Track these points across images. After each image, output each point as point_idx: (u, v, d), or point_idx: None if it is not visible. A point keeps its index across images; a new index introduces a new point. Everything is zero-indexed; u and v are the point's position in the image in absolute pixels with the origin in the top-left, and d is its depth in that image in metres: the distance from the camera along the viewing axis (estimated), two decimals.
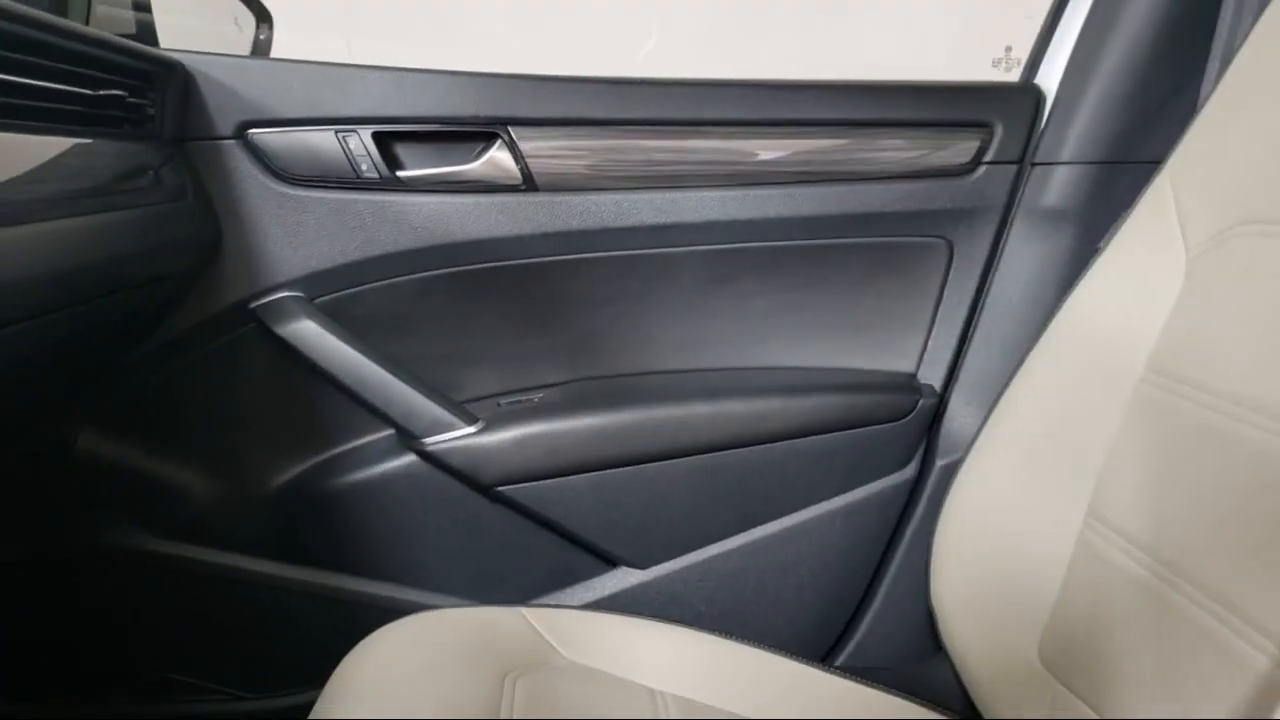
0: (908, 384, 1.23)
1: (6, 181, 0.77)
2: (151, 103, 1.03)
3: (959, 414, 1.22)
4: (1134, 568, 0.83)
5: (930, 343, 1.24)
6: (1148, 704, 0.77)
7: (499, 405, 1.21)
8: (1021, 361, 1.01)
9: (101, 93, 0.94)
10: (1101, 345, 0.95)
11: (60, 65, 0.88)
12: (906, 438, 1.21)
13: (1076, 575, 0.90)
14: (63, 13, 1.08)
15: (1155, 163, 0.96)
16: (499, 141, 1.14)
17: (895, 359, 1.25)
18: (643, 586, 1.21)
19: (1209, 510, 0.77)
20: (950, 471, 1.19)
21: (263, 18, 1.39)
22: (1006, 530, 0.97)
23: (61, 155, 0.87)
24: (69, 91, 0.90)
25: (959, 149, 1.20)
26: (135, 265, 0.97)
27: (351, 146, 1.11)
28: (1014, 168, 1.20)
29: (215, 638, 1.21)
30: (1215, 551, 0.75)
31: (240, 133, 1.10)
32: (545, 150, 1.14)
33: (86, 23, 1.11)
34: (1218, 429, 0.79)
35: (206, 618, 1.20)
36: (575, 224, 1.16)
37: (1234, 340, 0.82)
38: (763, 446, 1.19)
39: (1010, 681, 0.95)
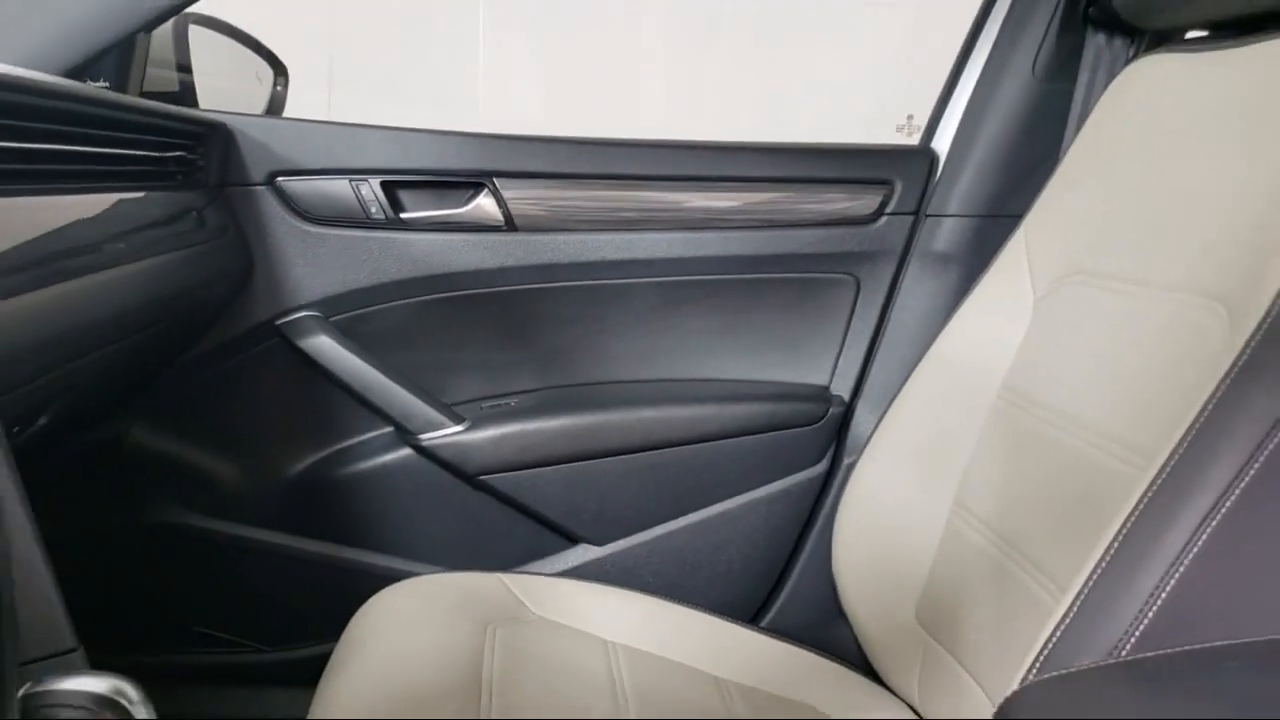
0: (820, 395, 1.44)
1: (93, 236, 0.96)
2: (200, 157, 1.22)
3: (863, 420, 1.42)
4: (985, 544, 1.04)
5: (840, 361, 1.45)
6: (989, 650, 0.97)
7: (482, 408, 1.40)
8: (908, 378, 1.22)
9: (166, 154, 1.14)
10: (969, 368, 1.16)
11: (133, 135, 1.07)
12: (819, 439, 1.42)
13: (944, 551, 1.11)
14: (125, 75, 1.26)
15: (1020, 217, 1.17)
16: (485, 190, 1.34)
17: (811, 373, 1.45)
18: (599, 560, 1.41)
19: (1039, 501, 0.98)
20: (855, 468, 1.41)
21: (279, 71, 1.58)
22: (891, 516, 1.18)
23: (132, 207, 1.06)
24: (141, 155, 1.09)
25: (865, 202, 1.41)
26: (187, 297, 1.16)
27: (363, 192, 1.31)
28: (910, 218, 1.41)
29: (244, 599, 1.40)
30: (1041, 532, 0.96)
31: (270, 180, 1.29)
32: (523, 198, 1.35)
33: (141, 86, 1.29)
34: (1050, 438, 1.00)
35: (237, 583, 1.38)
36: (547, 259, 1.36)
37: (1065, 369, 1.03)
38: (700, 445, 1.40)
39: (892, 638, 1.16)
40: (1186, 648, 0.72)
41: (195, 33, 1.42)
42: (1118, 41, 1.25)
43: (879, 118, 1.55)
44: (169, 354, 1.28)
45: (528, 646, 1.11)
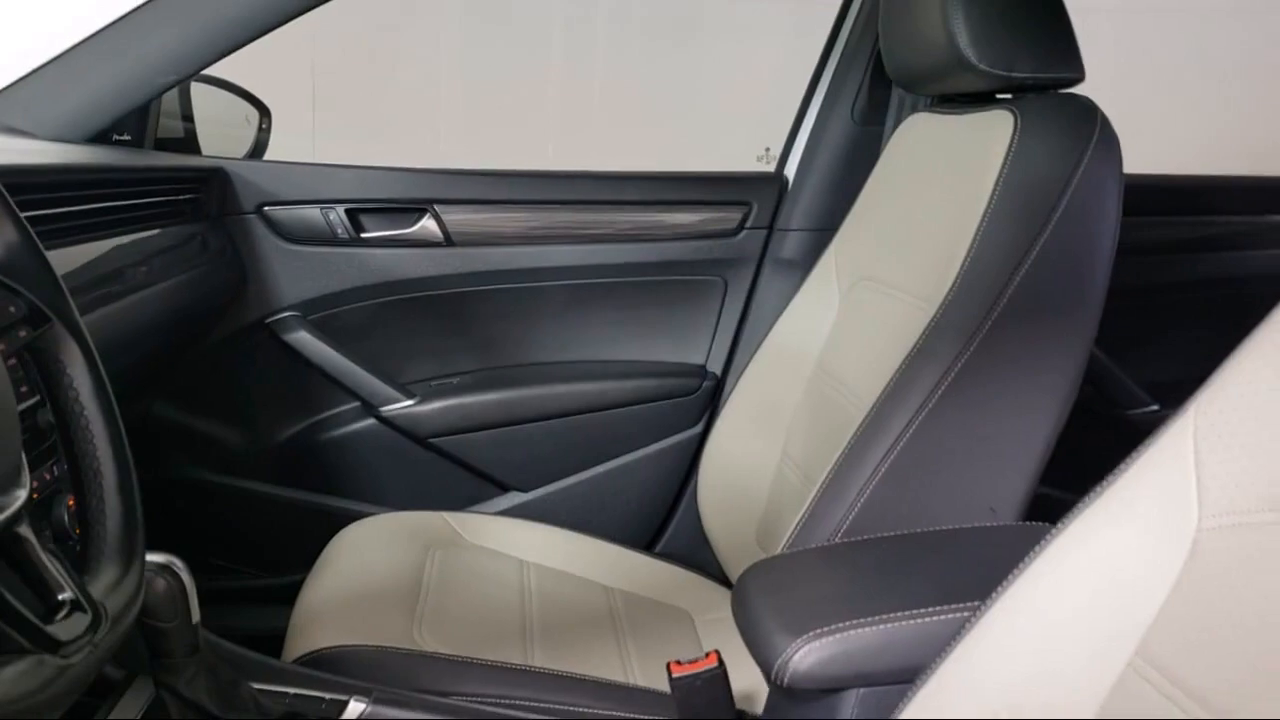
0: (697, 371, 1.76)
1: (129, 267, 1.28)
2: (204, 195, 1.54)
3: (729, 391, 1.76)
4: (792, 479, 1.36)
5: (713, 344, 1.77)
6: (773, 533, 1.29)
7: (429, 385, 1.72)
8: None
9: (179, 197, 1.45)
10: (794, 348, 1.48)
11: (154, 185, 1.39)
12: (696, 406, 1.75)
13: (774, 486, 1.44)
14: (143, 128, 1.56)
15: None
16: (428, 213, 1.66)
17: (689, 355, 1.78)
18: (525, 503, 1.74)
19: (819, 440, 1.30)
20: None
21: (264, 114, 1.88)
22: (739, 463, 1.51)
23: (156, 241, 1.37)
24: (161, 200, 1.41)
25: (729, 218, 1.73)
26: (198, 304, 1.48)
27: (331, 218, 1.62)
28: (765, 232, 1.74)
29: (243, 536, 1.71)
30: (817, 452, 1.28)
31: (258, 209, 1.61)
32: (458, 220, 1.67)
33: (155, 136, 1.60)
34: (831, 400, 1.32)
35: (237, 523, 1.70)
36: (479, 267, 1.68)
37: (855, 350, 1.36)
38: (602, 412, 1.72)
39: (739, 554, 1.48)
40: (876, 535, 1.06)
41: (196, 88, 1.73)
42: (911, 97, 1.58)
43: (743, 149, 1.87)
44: (184, 346, 1.59)
45: (460, 564, 1.43)
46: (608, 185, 1.72)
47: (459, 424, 1.69)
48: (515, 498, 1.75)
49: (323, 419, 1.71)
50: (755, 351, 1.55)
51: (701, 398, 1.74)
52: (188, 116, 1.72)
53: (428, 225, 1.66)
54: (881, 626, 0.88)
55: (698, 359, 1.78)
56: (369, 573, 1.35)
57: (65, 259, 1.11)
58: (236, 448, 1.69)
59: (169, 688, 0.91)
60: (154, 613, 0.87)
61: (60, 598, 0.55)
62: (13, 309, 0.63)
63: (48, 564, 0.55)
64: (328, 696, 0.92)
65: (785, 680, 0.88)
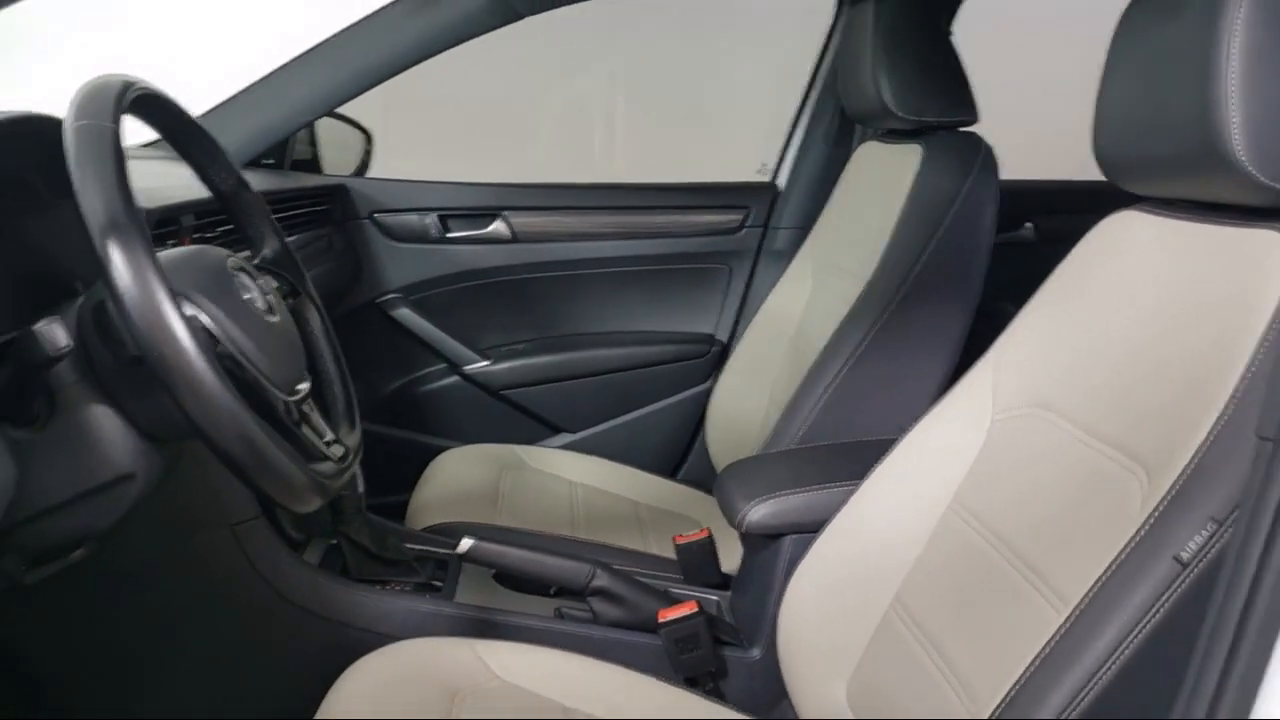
0: (707, 339, 2.21)
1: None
2: (333, 206, 2.01)
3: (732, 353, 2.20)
4: (774, 417, 1.79)
5: (720, 318, 2.22)
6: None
7: (500, 350, 2.19)
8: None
9: (317, 208, 1.92)
10: (779, 318, 1.91)
11: (302, 200, 1.86)
12: (706, 366, 2.19)
13: (762, 423, 1.86)
14: (282, 152, 2.02)
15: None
16: (499, 218, 2.11)
17: (702, 326, 2.22)
18: (573, 441, 2.19)
19: (794, 384, 1.73)
20: None
21: (368, 138, 2.33)
22: (736, 406, 1.94)
23: (304, 240, 1.84)
24: (306, 210, 1.87)
25: (732, 219, 2.17)
26: (328, 290, 1.94)
27: (426, 221, 2.09)
28: (761, 230, 2.18)
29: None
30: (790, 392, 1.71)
31: (370, 215, 2.07)
32: (522, 222, 2.13)
33: (291, 158, 2.06)
34: (803, 354, 1.75)
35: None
36: (537, 259, 2.14)
37: (818, 315, 1.79)
38: (633, 370, 2.18)
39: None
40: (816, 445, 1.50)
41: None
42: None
43: (744, 164, 2.33)
44: None
45: (525, 481, 1.88)
46: (637, 194, 2.18)
47: (523, 379, 2.16)
48: (566, 437, 2.21)
49: (419, 376, 2.18)
50: (750, 321, 1.99)
51: (710, 359, 2.18)
52: (312, 141, 2.19)
53: (499, 226, 2.12)
54: (805, 493, 1.32)
55: (707, 329, 2.22)
56: (460, 483, 1.80)
57: None
58: (359, 395, 2.15)
59: (345, 535, 1.38)
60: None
61: (326, 439, 1.00)
62: (282, 285, 1.09)
63: (318, 421, 1.00)
64: (446, 538, 1.38)
65: (743, 529, 1.32)
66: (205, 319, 0.88)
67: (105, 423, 0.88)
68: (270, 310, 0.97)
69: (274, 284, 1.05)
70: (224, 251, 0.98)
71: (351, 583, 1.35)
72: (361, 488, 1.35)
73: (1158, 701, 0.74)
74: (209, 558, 1.27)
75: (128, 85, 0.91)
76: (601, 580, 1.35)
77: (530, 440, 2.15)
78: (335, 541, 1.41)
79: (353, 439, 1.06)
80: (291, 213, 1.80)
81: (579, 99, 3.01)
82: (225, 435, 0.81)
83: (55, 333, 0.81)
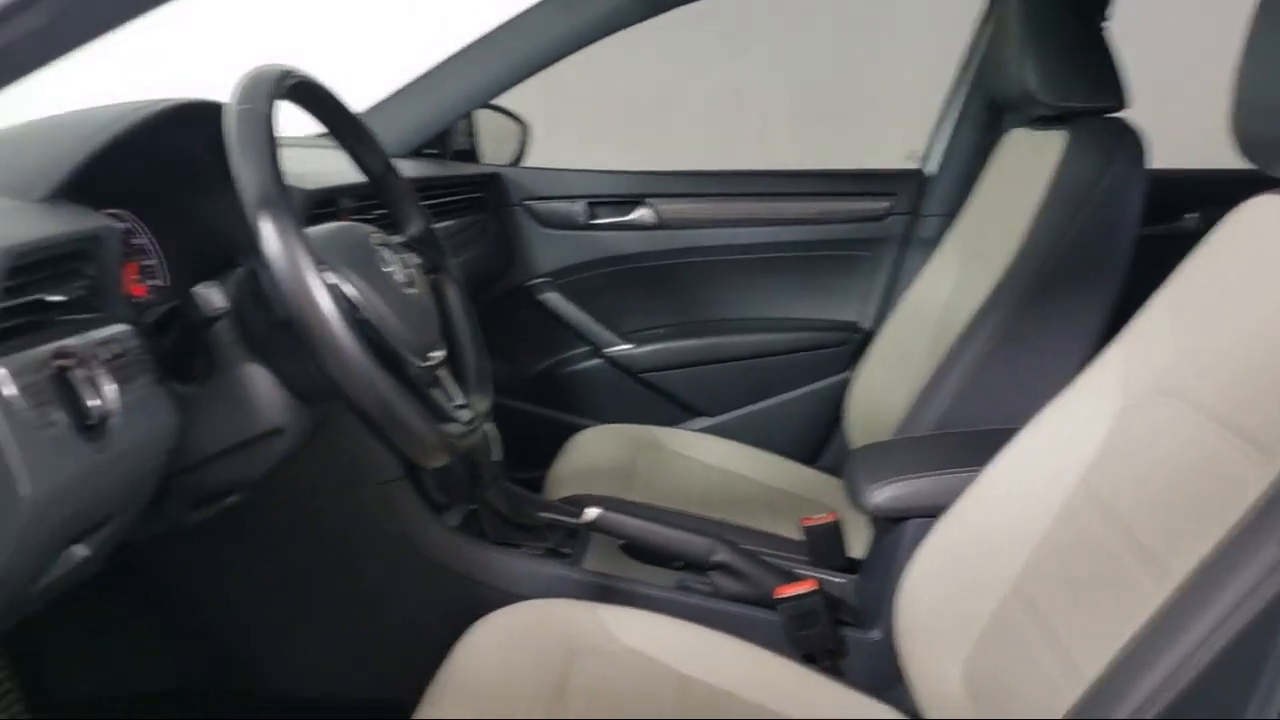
0: (850, 327, 2.20)
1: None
2: (486, 194, 2.10)
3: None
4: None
5: (864, 305, 2.20)
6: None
7: (642, 334, 2.24)
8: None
9: (473, 195, 2.02)
10: (922, 307, 1.89)
11: (460, 187, 1.95)
12: (847, 354, 2.18)
13: (908, 404, 1.85)
14: (444, 142, 2.13)
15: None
16: (644, 204, 2.16)
17: (845, 313, 2.22)
18: (711, 425, 2.22)
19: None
20: None
21: (524, 128, 2.41)
22: (876, 395, 1.94)
23: (460, 226, 1.93)
24: (463, 197, 1.97)
25: (879, 205, 2.16)
26: (481, 273, 2.03)
27: (574, 209, 2.16)
28: (907, 216, 2.16)
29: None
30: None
31: (521, 202, 2.16)
32: (667, 209, 2.17)
33: (452, 148, 2.17)
34: (944, 343, 1.74)
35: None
36: (681, 245, 2.18)
37: (960, 304, 1.77)
38: (773, 357, 2.19)
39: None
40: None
41: (477, 110, 2.29)
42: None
43: (895, 150, 2.32)
44: (472, 300, 2.15)
45: (660, 461, 1.93)
46: (782, 180, 2.19)
47: (663, 363, 2.20)
48: (704, 421, 2.24)
49: (564, 357, 2.25)
50: (901, 311, 1.98)
51: (852, 347, 2.18)
52: (471, 133, 2.29)
53: (645, 213, 2.17)
54: (930, 477, 1.32)
55: (850, 317, 2.22)
56: (597, 460, 1.87)
57: None
58: (502, 375, 2.24)
59: (483, 501, 1.46)
60: (477, 451, 1.41)
61: (457, 402, 1.07)
62: (425, 263, 1.17)
63: (450, 386, 1.07)
64: (576, 508, 1.44)
65: (868, 509, 1.33)
66: (348, 288, 0.96)
67: (258, 381, 0.97)
68: (409, 283, 1.04)
69: (416, 260, 1.13)
70: (368, 228, 1.06)
71: (485, 544, 1.43)
72: (499, 456, 1.42)
73: (1248, 688, 0.73)
74: (357, 512, 1.36)
75: (285, 74, 0.99)
76: (722, 554, 1.39)
77: (668, 423, 2.19)
78: (475, 507, 1.50)
79: (482, 405, 1.13)
80: (447, 199, 1.90)
81: (727, 86, 3.03)
82: (359, 392, 0.88)
83: (211, 296, 0.90)
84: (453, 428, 1.01)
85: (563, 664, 1.16)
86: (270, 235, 0.85)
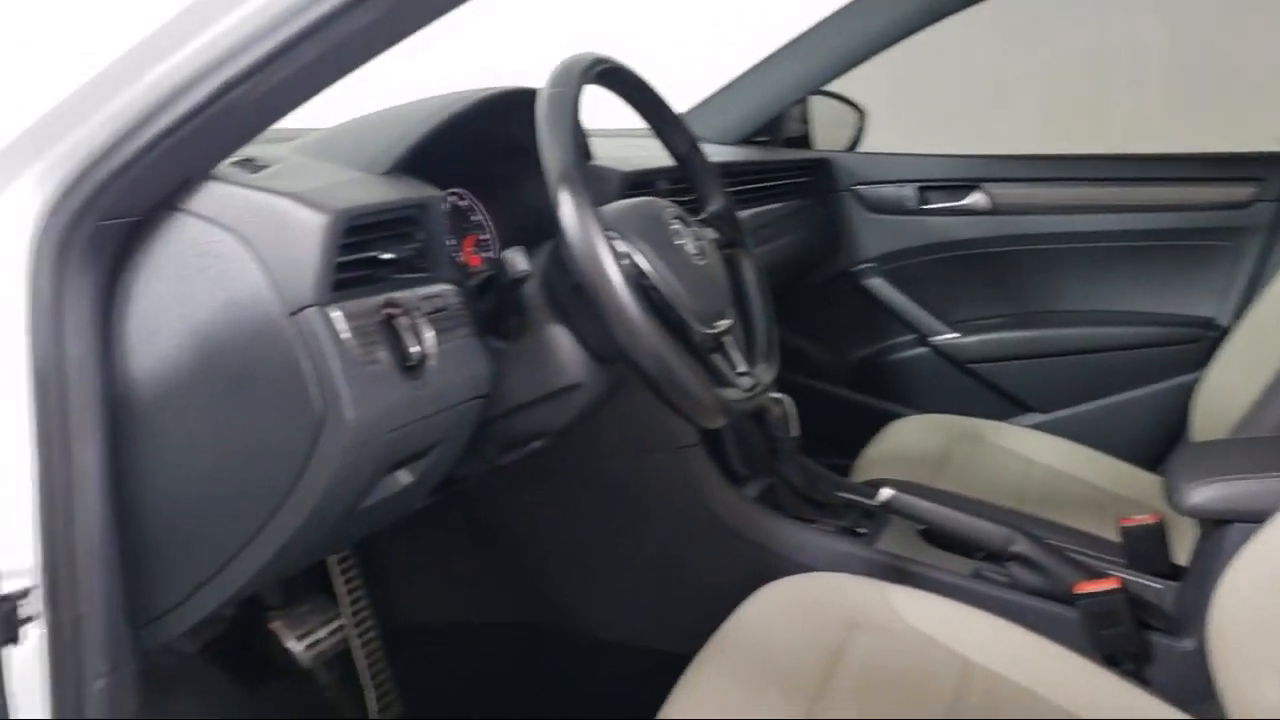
0: (1204, 323, 2.01)
1: (772, 225, 1.88)
2: (816, 178, 2.14)
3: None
4: None
5: (1222, 300, 2.01)
6: None
7: (971, 323, 2.17)
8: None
9: (799, 180, 2.06)
10: None
11: (788, 172, 2.00)
12: (1199, 352, 1.99)
13: None
14: (776, 129, 2.19)
15: None
16: (978, 189, 2.10)
17: (1199, 308, 2.04)
18: (1041, 422, 2.11)
19: None
20: None
21: (861, 114, 2.42)
22: (1232, 397, 1.75)
23: (785, 210, 1.97)
24: (790, 182, 2.01)
25: (1243, 192, 1.96)
26: (804, 257, 2.07)
27: (903, 193, 2.14)
28: (1276, 204, 1.94)
29: (815, 424, 2.16)
30: None
31: (849, 187, 2.17)
32: (1002, 193, 2.10)
33: (784, 134, 2.22)
34: None
35: (815, 414, 2.24)
36: (1016, 232, 2.10)
37: None
38: (1115, 352, 2.06)
39: None
40: None
41: (811, 98, 2.33)
42: None
43: (1260, 133, 2.05)
44: (791, 285, 2.20)
45: (978, 454, 1.87)
46: (1131, 164, 2.05)
47: (993, 354, 2.13)
48: (1034, 417, 2.14)
49: (886, 345, 2.24)
50: (1255, 305, 1.80)
51: (1205, 345, 1.99)
52: (805, 120, 2.33)
53: (978, 198, 2.11)
54: (1259, 480, 1.21)
55: (1205, 312, 2.03)
56: (910, 448, 1.84)
57: None
58: (822, 360, 2.28)
59: (779, 474, 1.50)
60: (773, 426, 1.45)
61: (740, 369, 1.12)
62: (721, 238, 1.23)
63: (737, 354, 1.13)
64: (870, 489, 1.45)
65: (1183, 509, 1.24)
66: (638, 256, 1.03)
67: (560, 340, 1.07)
68: (700, 254, 1.11)
69: (712, 235, 1.19)
70: (664, 203, 1.13)
71: (781, 516, 1.47)
72: (796, 432, 1.46)
73: None
74: (654, 473, 1.45)
75: (596, 61, 1.09)
76: (1021, 545, 1.34)
77: (994, 416, 2.12)
78: (773, 481, 1.54)
79: (766, 375, 1.17)
80: (773, 184, 1.96)
81: (1071, 63, 2.83)
82: (640, 351, 0.96)
83: (517, 260, 1.01)
84: (731, 392, 1.06)
85: (841, 635, 1.18)
86: (567, 207, 0.95)
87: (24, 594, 0.83)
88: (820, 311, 2.26)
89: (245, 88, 0.77)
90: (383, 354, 0.88)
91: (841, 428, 2.07)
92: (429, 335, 0.93)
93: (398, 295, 0.92)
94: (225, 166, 0.88)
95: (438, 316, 0.96)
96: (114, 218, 0.82)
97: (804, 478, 1.49)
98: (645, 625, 1.49)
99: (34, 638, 0.83)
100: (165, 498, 0.87)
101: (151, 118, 0.77)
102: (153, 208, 0.83)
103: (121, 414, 0.85)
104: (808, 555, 1.42)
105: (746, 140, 2.11)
